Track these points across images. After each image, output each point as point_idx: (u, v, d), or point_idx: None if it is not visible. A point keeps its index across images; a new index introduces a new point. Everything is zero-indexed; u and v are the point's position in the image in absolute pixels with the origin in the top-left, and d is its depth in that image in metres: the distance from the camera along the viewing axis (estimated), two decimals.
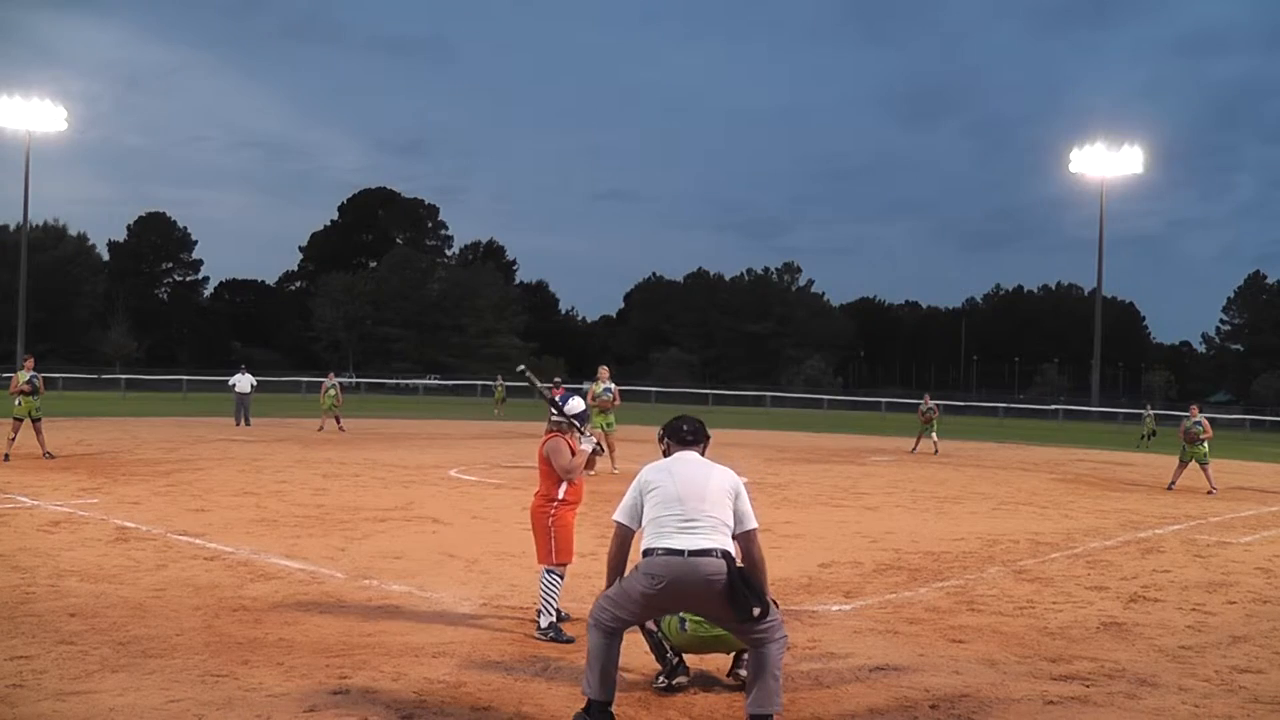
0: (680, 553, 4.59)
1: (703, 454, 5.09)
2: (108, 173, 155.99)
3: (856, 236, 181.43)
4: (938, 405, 27.11)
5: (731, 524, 4.76)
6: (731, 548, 4.69)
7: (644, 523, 4.82)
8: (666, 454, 5.09)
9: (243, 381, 27.32)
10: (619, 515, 4.96)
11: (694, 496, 4.73)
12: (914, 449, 25.66)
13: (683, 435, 5.10)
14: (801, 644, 6.28)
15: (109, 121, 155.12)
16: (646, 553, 4.69)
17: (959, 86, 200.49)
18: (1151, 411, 35.22)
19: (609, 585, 4.87)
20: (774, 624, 4.63)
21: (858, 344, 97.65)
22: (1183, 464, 17.77)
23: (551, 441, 6.55)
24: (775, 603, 4.78)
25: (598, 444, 6.76)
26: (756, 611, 4.53)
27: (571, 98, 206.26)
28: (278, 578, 7.89)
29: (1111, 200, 65.21)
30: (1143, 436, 33.74)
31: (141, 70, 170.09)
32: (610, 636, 4.69)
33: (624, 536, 4.95)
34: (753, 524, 4.84)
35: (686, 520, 4.66)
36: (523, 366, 7.38)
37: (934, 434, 25.60)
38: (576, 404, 6.72)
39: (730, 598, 4.54)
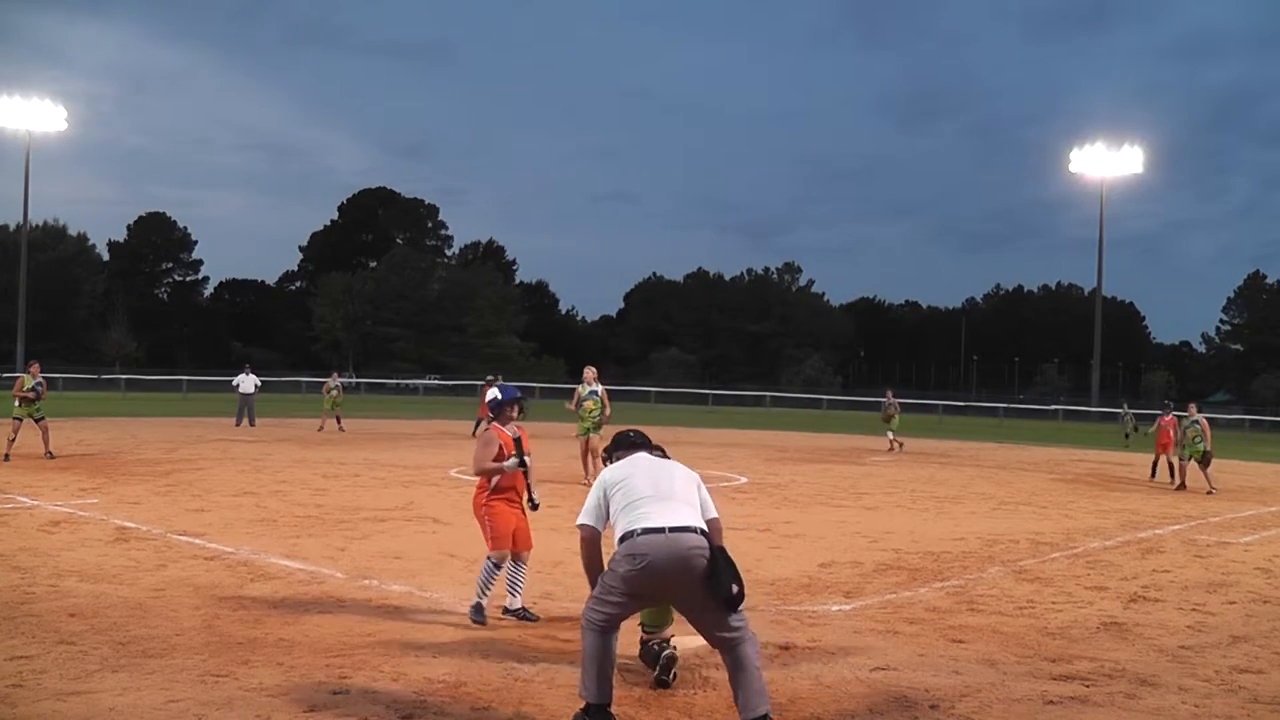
0: (660, 530, 4.60)
1: None
2: (108, 173, 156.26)
3: (856, 236, 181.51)
4: (899, 403, 27.45)
5: (700, 508, 4.85)
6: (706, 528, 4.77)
7: (613, 516, 4.83)
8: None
9: (246, 382, 27.27)
10: (584, 518, 4.96)
11: (664, 481, 4.85)
12: (900, 449, 25.35)
13: (631, 440, 5.31)
14: (801, 644, 6.29)
15: (112, 122, 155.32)
16: (624, 538, 4.67)
17: (958, 88, 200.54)
18: (1129, 410, 35.13)
19: (593, 588, 4.84)
20: (744, 623, 4.61)
21: (858, 344, 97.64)
22: (1177, 460, 17.77)
23: (488, 432, 6.89)
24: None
25: (519, 461, 6.70)
26: (735, 589, 4.50)
27: (571, 98, 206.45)
28: (278, 578, 7.89)
29: (1110, 201, 65.32)
30: (1126, 435, 33.64)
31: (146, 72, 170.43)
32: (604, 635, 4.66)
33: (592, 539, 4.96)
34: (714, 513, 4.94)
35: (660, 500, 4.73)
36: (491, 378, 7.61)
37: (891, 431, 25.62)
38: (493, 393, 7.13)
39: (710, 573, 4.53)
